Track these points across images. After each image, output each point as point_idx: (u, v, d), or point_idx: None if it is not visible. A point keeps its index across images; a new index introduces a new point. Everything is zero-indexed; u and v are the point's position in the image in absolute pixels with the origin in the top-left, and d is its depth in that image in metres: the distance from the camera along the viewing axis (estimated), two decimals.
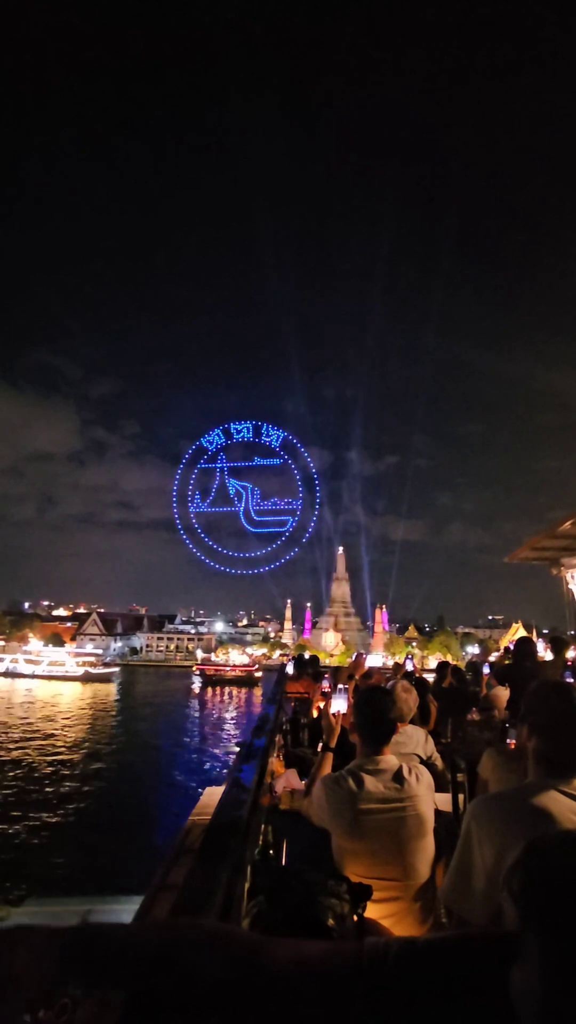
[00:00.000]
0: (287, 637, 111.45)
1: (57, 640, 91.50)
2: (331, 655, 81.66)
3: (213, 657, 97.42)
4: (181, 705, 54.05)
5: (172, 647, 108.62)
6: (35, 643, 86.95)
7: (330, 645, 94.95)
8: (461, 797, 2.80)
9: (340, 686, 3.01)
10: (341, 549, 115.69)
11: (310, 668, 7.21)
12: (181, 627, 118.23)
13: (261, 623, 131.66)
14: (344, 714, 2.60)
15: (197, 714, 49.15)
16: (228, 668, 79.50)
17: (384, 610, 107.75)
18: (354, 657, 4.32)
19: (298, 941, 0.63)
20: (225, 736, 35.95)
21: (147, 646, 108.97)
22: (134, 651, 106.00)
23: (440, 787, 2.32)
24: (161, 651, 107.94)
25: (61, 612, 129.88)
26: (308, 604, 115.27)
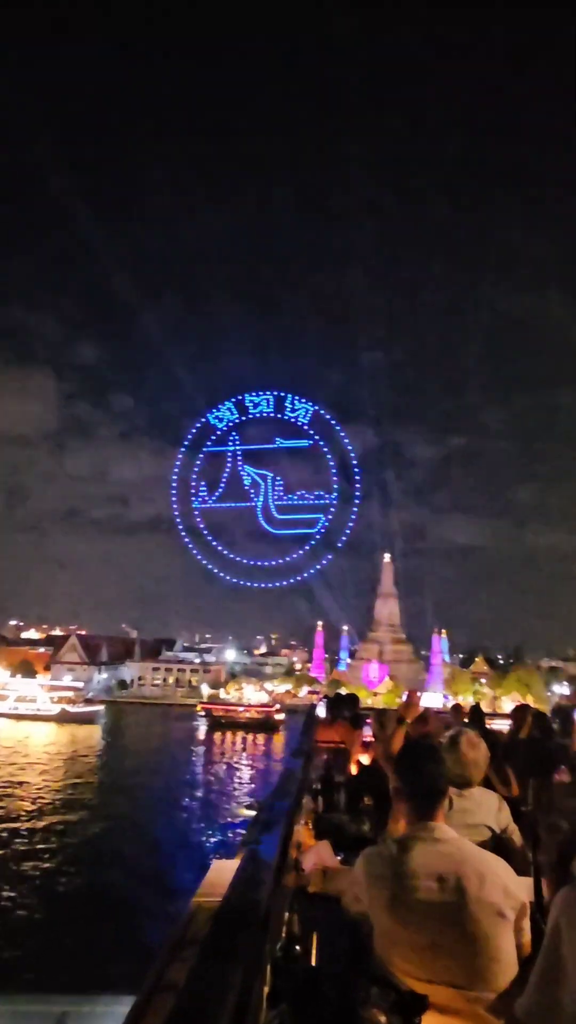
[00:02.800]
0: (317, 670, 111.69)
1: (27, 669, 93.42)
2: (375, 693, 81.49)
3: (222, 694, 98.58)
4: (182, 754, 54.09)
5: (171, 680, 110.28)
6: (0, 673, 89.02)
7: (374, 680, 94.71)
8: (546, 884, 2.74)
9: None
10: (388, 557, 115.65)
11: (347, 710, 7.06)
12: (182, 655, 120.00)
13: (284, 651, 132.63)
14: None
15: (202, 767, 49.34)
16: (241, 708, 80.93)
17: (444, 636, 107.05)
18: (405, 696, 4.27)
19: None
20: (237, 796, 36.17)
21: (139, 679, 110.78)
22: (123, 685, 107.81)
23: (519, 869, 2.26)
24: (157, 685, 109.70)
25: (32, 634, 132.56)
26: (345, 627, 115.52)
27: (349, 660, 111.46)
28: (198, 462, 60.24)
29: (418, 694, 4.33)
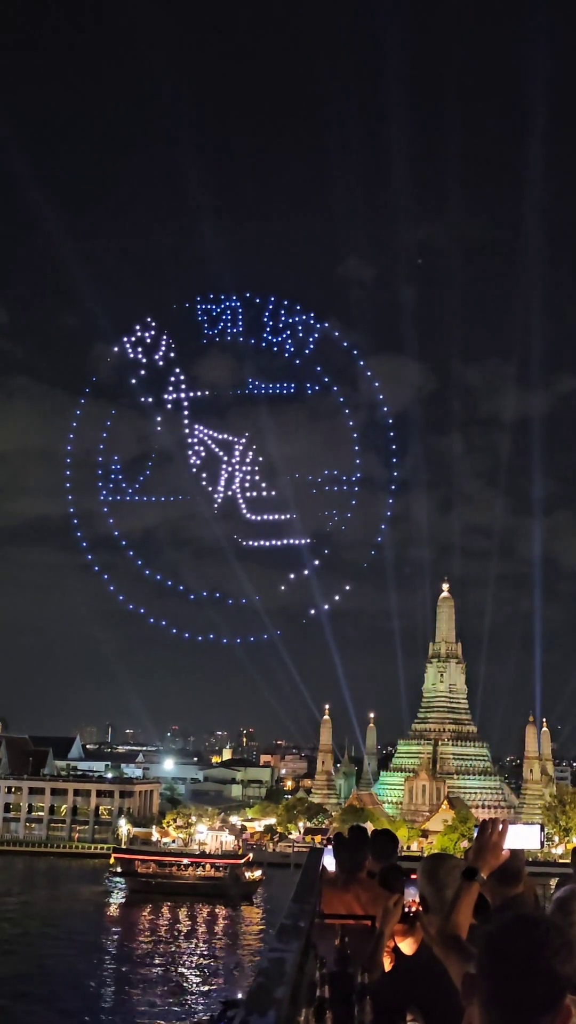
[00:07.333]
0: (324, 787, 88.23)
1: None
2: (424, 831, 64.27)
3: (155, 835, 77.15)
4: (79, 942, 40.09)
5: (63, 809, 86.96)
6: None
7: (421, 806, 72.27)
8: None
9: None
10: (447, 588, 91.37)
11: (376, 859, 5.74)
12: (84, 765, 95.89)
13: (265, 756, 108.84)
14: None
15: (112, 964, 36.25)
16: (187, 862, 61.40)
17: (544, 728, 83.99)
18: (478, 829, 3.13)
19: None
20: (179, 1010, 28.47)
21: (7, 807, 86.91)
22: None
23: None
24: (38, 818, 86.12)
25: None
26: (372, 715, 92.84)
27: (380, 772, 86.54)
28: (109, 422, 45.41)
29: (502, 824, 3.13)
